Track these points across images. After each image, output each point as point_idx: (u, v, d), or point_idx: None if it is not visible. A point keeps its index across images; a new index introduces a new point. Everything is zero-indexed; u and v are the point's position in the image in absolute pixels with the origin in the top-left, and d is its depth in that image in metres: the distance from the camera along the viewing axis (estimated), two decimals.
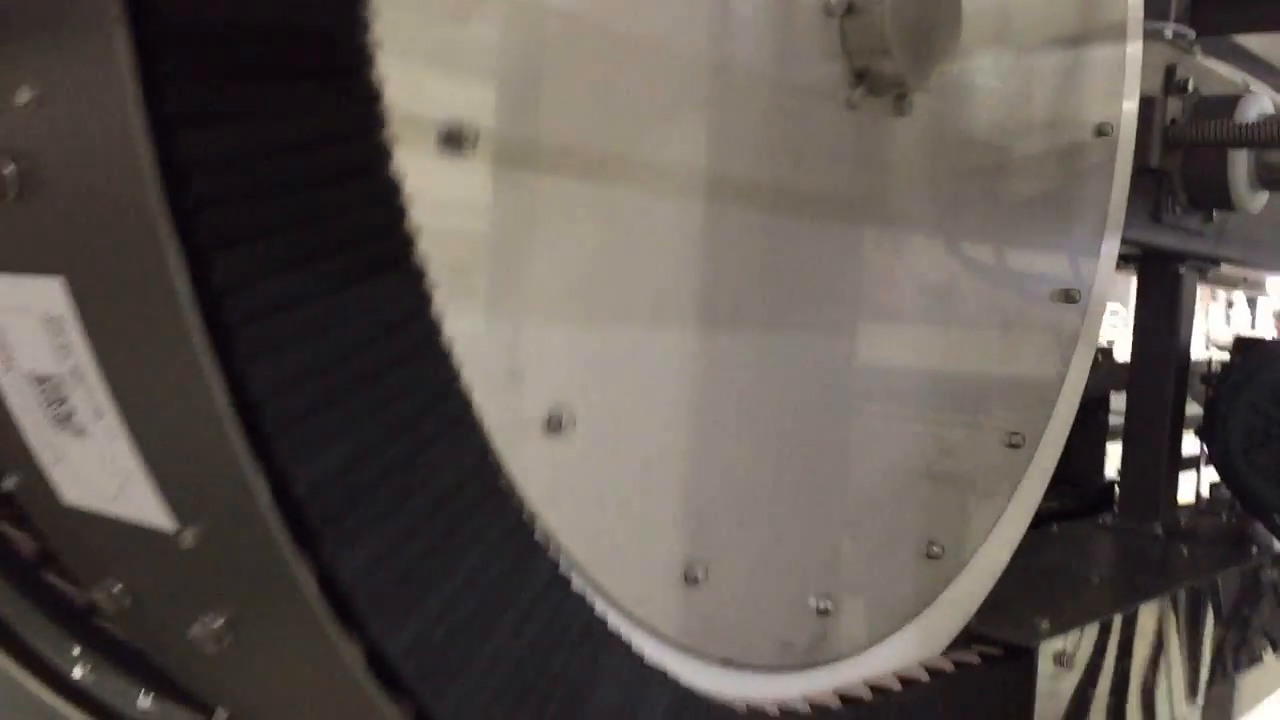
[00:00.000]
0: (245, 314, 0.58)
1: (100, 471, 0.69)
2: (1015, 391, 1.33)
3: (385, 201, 0.64)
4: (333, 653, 0.65)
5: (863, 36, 1.02)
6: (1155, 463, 1.92)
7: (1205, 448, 2.02)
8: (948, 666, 1.20)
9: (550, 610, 0.77)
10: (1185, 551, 1.82)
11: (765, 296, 0.98)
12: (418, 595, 0.67)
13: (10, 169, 0.60)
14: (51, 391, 0.68)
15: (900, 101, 1.11)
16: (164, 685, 1.00)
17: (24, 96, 0.58)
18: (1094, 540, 1.85)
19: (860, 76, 1.05)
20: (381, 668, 0.66)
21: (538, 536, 0.76)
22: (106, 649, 0.99)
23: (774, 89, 0.97)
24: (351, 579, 0.64)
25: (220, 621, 0.71)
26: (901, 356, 1.18)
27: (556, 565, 0.77)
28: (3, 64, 0.59)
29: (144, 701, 1.07)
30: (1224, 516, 2.12)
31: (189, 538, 0.66)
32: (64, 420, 0.68)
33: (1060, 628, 1.30)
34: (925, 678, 1.19)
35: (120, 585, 0.77)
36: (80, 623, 0.95)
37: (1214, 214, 1.81)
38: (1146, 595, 1.49)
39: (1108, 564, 1.73)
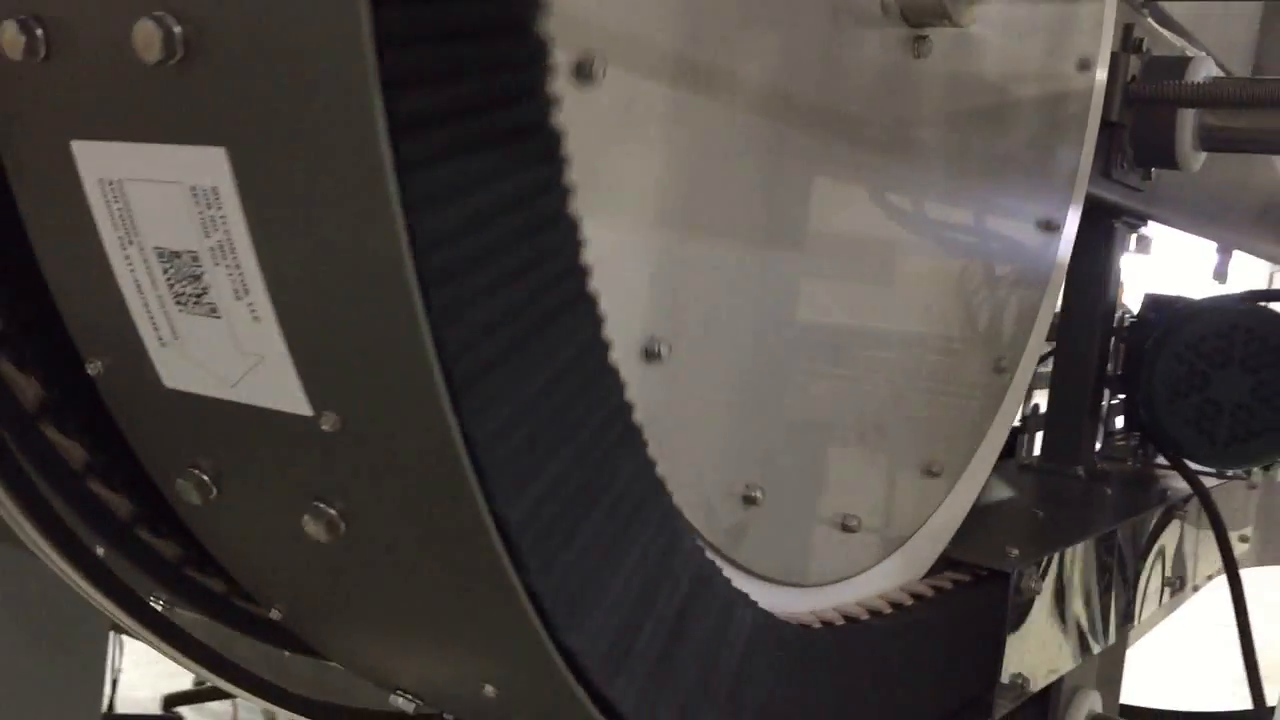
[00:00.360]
0: (432, 197, 0.58)
1: (225, 354, 0.67)
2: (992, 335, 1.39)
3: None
4: (491, 562, 0.65)
5: None
6: (1079, 410, 2.01)
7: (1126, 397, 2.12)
8: (945, 585, 1.25)
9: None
10: (1109, 492, 1.92)
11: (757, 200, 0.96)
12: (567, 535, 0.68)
13: (178, 30, 0.58)
14: (181, 268, 0.65)
15: (920, 43, 1.13)
16: (177, 591, 0.98)
17: None
18: (1024, 481, 1.94)
19: None
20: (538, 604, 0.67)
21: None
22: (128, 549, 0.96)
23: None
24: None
25: (335, 511, 0.70)
26: (892, 294, 1.22)
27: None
28: None
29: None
30: (1129, 461, 2.25)
31: (328, 422, 0.65)
32: (190, 299, 0.66)
33: (1028, 556, 1.37)
34: (908, 600, 1.24)
35: (207, 475, 0.76)
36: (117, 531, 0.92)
37: (1151, 173, 1.89)
38: (1095, 529, 1.57)
39: (1045, 502, 1.81)
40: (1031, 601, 1.37)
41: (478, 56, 0.60)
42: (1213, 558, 2.20)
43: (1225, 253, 2.87)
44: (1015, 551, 1.36)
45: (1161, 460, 2.17)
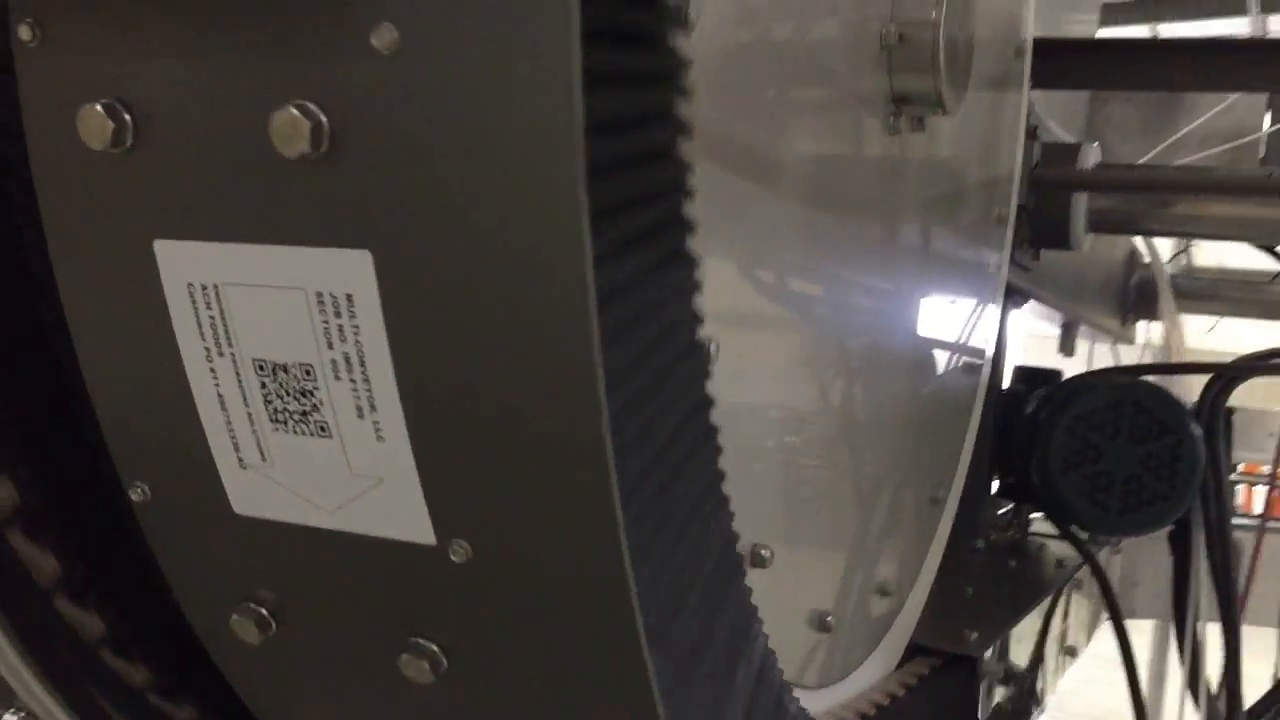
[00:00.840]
0: (623, 324, 0.53)
1: (329, 476, 0.60)
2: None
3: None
4: (639, 693, 0.59)
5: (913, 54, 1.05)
6: (979, 484, 2.05)
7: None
8: (913, 679, 1.23)
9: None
10: (1012, 564, 1.96)
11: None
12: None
13: (325, 121, 0.52)
14: (286, 383, 0.58)
15: (893, 120, 1.13)
16: None
17: (385, 38, 0.50)
18: None
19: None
20: None
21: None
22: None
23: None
24: None
25: (438, 647, 0.63)
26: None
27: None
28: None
29: None
30: (1010, 531, 2.30)
31: (458, 553, 0.59)
32: (293, 416, 0.59)
33: (987, 637, 1.37)
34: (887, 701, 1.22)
35: (266, 608, 0.67)
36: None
37: (1040, 253, 1.96)
38: (1027, 604, 1.59)
39: (959, 576, 1.82)
40: (992, 686, 1.38)
41: (652, 181, 0.56)
42: (1088, 623, 2.28)
43: (1072, 326, 3.02)
44: (974, 634, 1.36)
45: (1038, 529, 2.24)
